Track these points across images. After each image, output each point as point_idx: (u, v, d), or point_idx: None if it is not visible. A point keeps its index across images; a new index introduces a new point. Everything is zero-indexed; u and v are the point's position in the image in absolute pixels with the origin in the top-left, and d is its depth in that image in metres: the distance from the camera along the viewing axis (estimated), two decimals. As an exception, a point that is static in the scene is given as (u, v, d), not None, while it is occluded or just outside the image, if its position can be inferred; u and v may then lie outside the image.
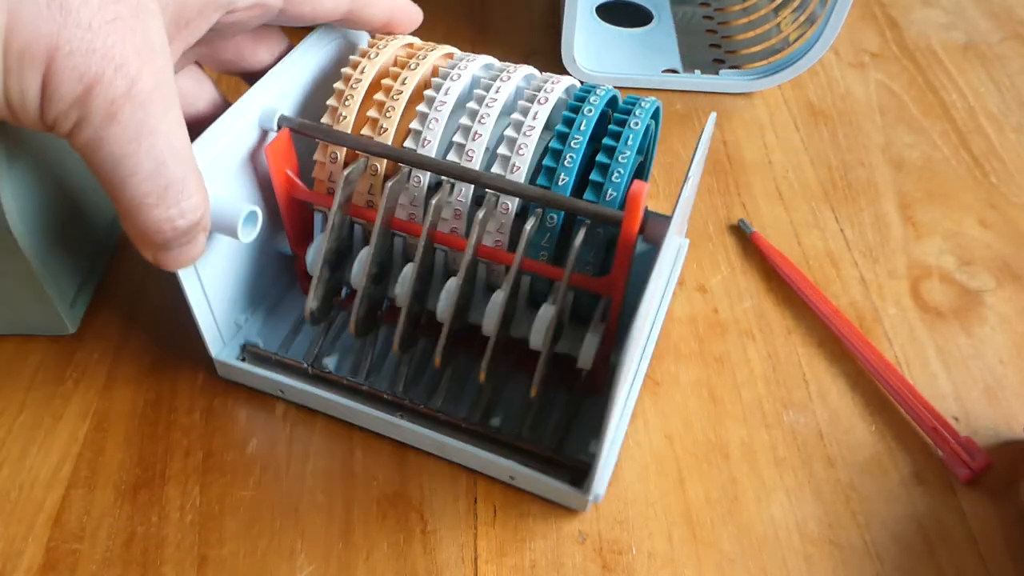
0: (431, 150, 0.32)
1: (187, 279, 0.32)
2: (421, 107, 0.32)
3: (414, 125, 0.32)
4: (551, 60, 0.54)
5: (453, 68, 0.33)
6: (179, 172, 0.27)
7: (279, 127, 0.33)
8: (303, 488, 0.33)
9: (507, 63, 0.34)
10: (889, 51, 0.58)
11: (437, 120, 0.32)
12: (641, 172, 0.36)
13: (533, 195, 0.30)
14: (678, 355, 0.38)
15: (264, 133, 0.33)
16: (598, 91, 0.33)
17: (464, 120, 0.32)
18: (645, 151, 0.35)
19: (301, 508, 0.33)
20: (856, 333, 0.39)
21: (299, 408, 0.36)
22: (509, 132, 0.32)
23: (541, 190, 0.31)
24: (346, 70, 0.33)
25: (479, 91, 0.32)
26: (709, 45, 0.57)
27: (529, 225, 0.30)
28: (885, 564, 0.32)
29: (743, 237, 0.44)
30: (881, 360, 0.38)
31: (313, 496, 0.33)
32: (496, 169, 0.31)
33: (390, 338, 0.35)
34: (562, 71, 0.52)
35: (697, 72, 0.54)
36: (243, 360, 0.36)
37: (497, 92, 0.32)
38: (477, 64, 0.34)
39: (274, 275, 0.39)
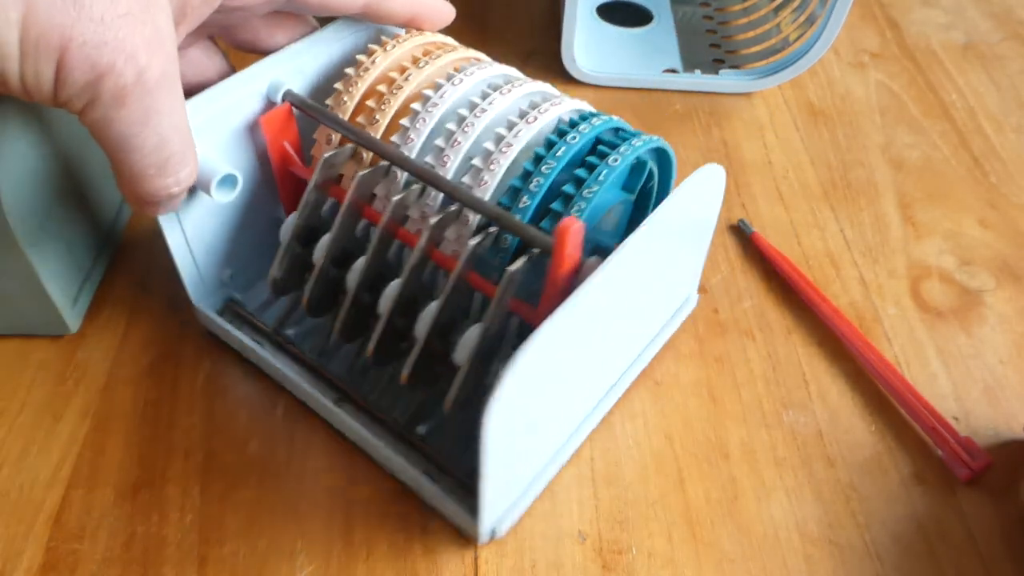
0: (413, 149, 0.32)
1: (168, 225, 0.33)
2: (416, 105, 0.32)
3: (404, 122, 0.32)
4: (551, 60, 0.54)
5: (460, 72, 0.33)
6: (179, 146, 0.29)
7: (283, 101, 0.34)
8: (303, 488, 0.33)
9: (524, 77, 0.34)
10: (889, 51, 0.58)
11: (425, 121, 0.32)
12: (639, 215, 0.34)
13: (487, 211, 0.30)
14: (678, 355, 0.38)
15: (272, 105, 0.34)
16: (594, 120, 0.31)
17: (450, 125, 0.32)
18: (641, 192, 0.33)
19: (301, 508, 0.33)
20: (856, 333, 0.39)
21: (299, 408, 0.36)
22: (488, 145, 0.31)
23: (498, 209, 0.30)
24: (360, 57, 0.34)
25: (475, 99, 0.32)
26: (709, 45, 0.57)
27: (474, 240, 0.30)
28: (885, 564, 0.32)
29: (743, 237, 0.44)
30: (881, 360, 0.38)
31: (313, 496, 0.33)
32: (467, 180, 0.31)
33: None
34: (562, 71, 0.53)
35: (697, 72, 0.54)
36: (221, 314, 0.37)
37: (490, 104, 0.32)
38: (488, 72, 0.33)
39: (273, 241, 0.38)
